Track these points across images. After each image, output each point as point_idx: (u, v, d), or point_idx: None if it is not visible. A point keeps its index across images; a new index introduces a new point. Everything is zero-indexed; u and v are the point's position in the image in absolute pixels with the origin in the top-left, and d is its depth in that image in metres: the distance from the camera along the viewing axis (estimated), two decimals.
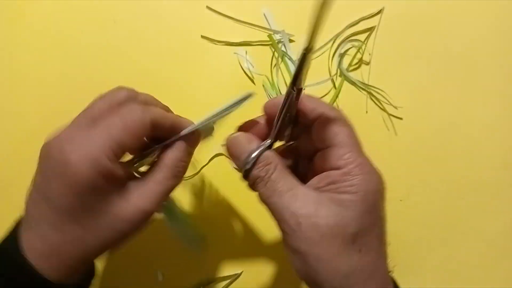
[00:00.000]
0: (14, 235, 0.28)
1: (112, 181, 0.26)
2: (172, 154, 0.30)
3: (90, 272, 0.32)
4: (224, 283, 0.47)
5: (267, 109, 0.30)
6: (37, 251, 0.27)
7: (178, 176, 0.29)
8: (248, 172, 0.28)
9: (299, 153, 0.32)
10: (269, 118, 0.30)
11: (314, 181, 0.28)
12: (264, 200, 0.27)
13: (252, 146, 0.28)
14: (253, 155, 0.27)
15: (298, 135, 0.31)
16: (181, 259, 0.47)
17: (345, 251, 0.25)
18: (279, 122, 0.28)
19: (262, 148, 0.28)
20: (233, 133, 0.30)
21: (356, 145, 0.28)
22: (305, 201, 0.26)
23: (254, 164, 0.27)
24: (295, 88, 0.26)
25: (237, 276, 0.47)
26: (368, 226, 0.26)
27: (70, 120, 0.30)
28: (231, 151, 0.29)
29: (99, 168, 0.25)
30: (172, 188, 0.29)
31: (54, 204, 0.27)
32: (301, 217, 0.25)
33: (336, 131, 0.27)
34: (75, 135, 0.27)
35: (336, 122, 0.27)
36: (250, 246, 0.47)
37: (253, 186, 0.28)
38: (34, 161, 0.50)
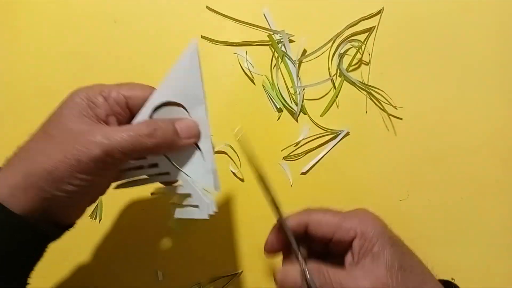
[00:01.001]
0: None
1: (94, 110, 0.31)
2: (158, 119, 0.32)
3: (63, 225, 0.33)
4: (223, 282, 0.47)
5: (267, 248, 0.35)
6: (4, 183, 0.29)
7: (152, 135, 0.31)
8: None
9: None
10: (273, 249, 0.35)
11: (346, 261, 0.32)
12: None
13: (297, 271, 0.31)
14: (308, 277, 0.31)
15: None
16: (181, 259, 0.48)
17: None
18: (293, 243, 0.32)
19: (304, 266, 0.31)
20: (277, 270, 0.33)
21: (342, 218, 0.32)
22: (360, 279, 0.30)
23: (312, 280, 0.31)
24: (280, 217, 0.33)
25: (236, 275, 0.47)
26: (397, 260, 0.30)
27: None
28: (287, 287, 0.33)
29: (89, 93, 0.31)
30: (141, 143, 0.30)
31: (38, 128, 0.32)
32: None
33: (325, 231, 0.32)
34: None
35: (321, 220, 0.32)
36: (249, 246, 0.47)
37: None
38: None
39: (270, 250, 0.34)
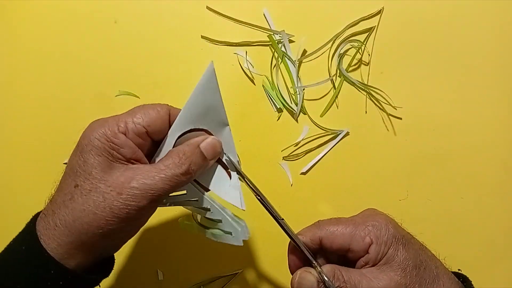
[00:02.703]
0: (31, 224, 0.30)
1: (119, 151, 0.30)
2: (183, 146, 0.32)
3: (104, 268, 0.34)
4: (223, 282, 0.47)
5: (292, 270, 0.35)
6: (57, 243, 0.29)
7: (186, 172, 0.31)
8: None
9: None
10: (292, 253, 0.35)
11: (360, 264, 0.33)
12: None
13: (313, 274, 0.32)
14: (326, 279, 0.31)
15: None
16: (181, 258, 0.48)
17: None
18: (301, 247, 0.33)
19: (319, 270, 0.32)
20: (295, 275, 0.33)
21: (354, 226, 0.32)
22: (375, 281, 0.31)
23: (329, 281, 0.32)
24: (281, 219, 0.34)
25: (236, 274, 0.47)
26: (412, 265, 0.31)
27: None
28: None
29: (108, 134, 0.29)
30: (179, 181, 0.30)
31: (65, 179, 0.30)
32: None
33: (340, 243, 0.32)
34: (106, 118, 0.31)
35: (333, 233, 0.33)
36: (249, 246, 0.47)
37: None
38: (34, 162, 0.50)
39: (295, 270, 0.34)
